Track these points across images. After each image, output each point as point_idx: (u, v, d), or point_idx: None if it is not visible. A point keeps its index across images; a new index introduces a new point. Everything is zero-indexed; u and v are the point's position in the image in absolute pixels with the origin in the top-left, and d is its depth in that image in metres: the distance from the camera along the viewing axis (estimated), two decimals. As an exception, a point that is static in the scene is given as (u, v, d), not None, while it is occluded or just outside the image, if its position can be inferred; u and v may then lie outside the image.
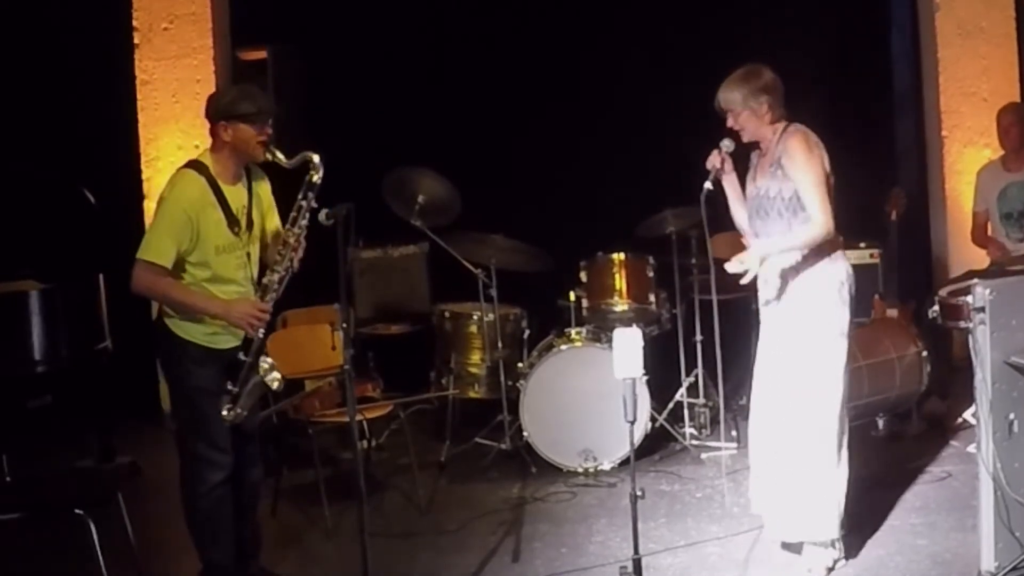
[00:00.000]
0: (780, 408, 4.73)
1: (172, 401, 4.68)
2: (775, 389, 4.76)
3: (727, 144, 4.75)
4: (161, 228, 4.35)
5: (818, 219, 4.58)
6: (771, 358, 4.80)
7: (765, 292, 4.78)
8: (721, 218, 4.99)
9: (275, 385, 4.48)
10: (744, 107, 4.66)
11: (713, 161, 4.76)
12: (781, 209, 4.64)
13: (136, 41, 7.50)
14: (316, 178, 4.40)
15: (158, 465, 5.74)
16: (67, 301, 6.03)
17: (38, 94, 7.41)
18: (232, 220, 4.44)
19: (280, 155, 4.42)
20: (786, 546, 4.90)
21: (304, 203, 4.41)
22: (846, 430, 4.76)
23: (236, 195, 4.48)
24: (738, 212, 4.88)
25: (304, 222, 4.42)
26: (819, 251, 4.65)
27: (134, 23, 7.49)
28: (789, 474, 4.69)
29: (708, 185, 4.75)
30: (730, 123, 4.71)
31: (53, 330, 5.94)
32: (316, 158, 4.39)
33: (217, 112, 4.43)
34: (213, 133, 4.47)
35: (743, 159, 4.86)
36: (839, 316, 4.68)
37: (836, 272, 4.70)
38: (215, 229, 4.40)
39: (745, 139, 4.75)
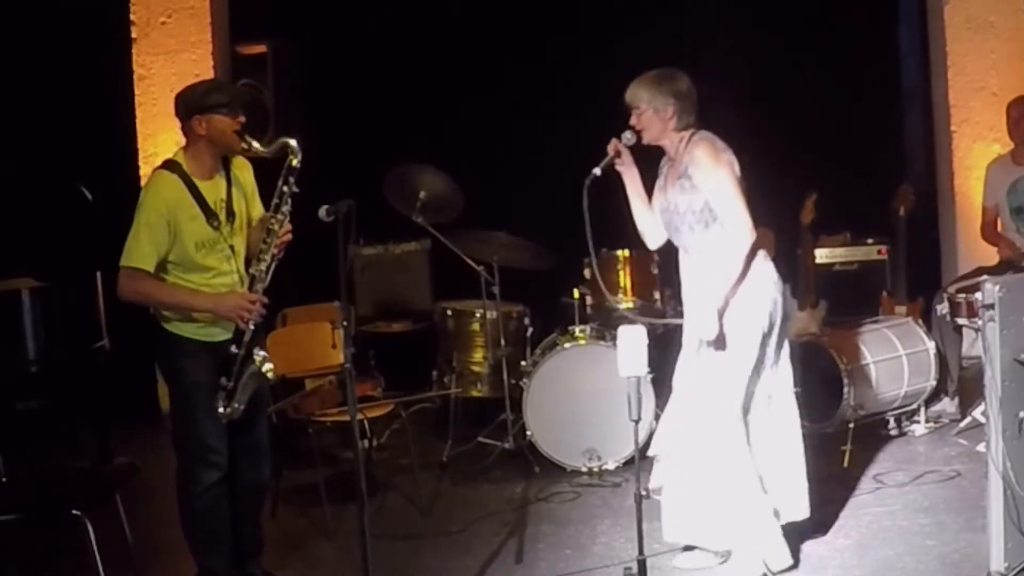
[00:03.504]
0: (695, 410, 4.66)
1: (169, 399, 4.64)
2: (693, 393, 4.67)
3: (627, 136, 4.67)
4: (140, 233, 4.33)
5: (737, 226, 4.47)
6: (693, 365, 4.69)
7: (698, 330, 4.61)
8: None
9: (270, 376, 4.46)
10: (648, 106, 4.59)
11: (608, 149, 4.67)
12: (692, 223, 4.58)
13: (134, 35, 7.48)
14: (295, 162, 4.37)
15: (156, 466, 5.68)
16: (64, 300, 5.99)
17: (35, 89, 7.38)
18: (210, 215, 4.41)
19: (256, 143, 4.42)
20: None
21: (285, 188, 4.38)
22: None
23: (213, 189, 4.46)
24: (638, 210, 4.82)
25: (287, 208, 4.39)
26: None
27: (132, 17, 7.48)
28: (704, 481, 4.63)
29: (596, 171, 4.67)
30: (633, 121, 4.64)
31: (49, 329, 5.89)
32: (293, 142, 4.37)
33: (189, 107, 4.42)
34: (186, 130, 4.46)
35: (651, 166, 4.78)
36: (760, 318, 4.55)
37: (767, 273, 4.60)
38: (193, 226, 4.38)
39: (645, 140, 4.67)
